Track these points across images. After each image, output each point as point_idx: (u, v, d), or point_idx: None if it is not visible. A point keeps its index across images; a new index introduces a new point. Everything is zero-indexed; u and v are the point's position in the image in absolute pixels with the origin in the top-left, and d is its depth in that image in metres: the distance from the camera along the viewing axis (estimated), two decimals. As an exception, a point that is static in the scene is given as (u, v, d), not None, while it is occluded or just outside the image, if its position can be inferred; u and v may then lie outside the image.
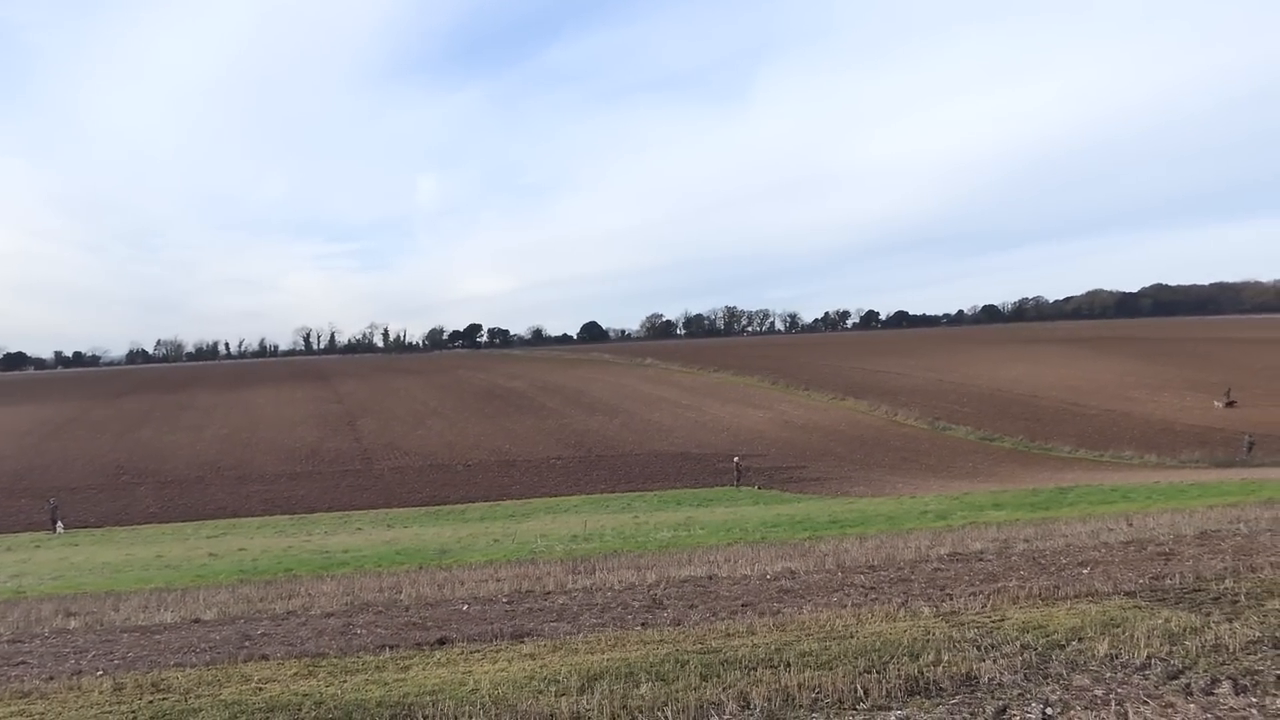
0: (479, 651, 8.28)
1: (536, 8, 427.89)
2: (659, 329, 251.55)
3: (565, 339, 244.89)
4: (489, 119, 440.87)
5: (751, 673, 6.39)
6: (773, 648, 7.28)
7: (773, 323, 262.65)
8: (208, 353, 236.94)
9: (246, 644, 9.81)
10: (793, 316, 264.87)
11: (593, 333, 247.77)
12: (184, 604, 14.27)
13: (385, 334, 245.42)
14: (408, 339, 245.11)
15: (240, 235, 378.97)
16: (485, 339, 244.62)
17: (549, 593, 12.51)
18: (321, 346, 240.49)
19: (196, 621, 12.15)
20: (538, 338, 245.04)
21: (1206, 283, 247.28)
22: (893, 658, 6.50)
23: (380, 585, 15.13)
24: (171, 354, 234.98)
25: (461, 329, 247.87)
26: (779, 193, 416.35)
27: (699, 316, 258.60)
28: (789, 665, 6.51)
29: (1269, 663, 5.67)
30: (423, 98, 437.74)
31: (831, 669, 6.31)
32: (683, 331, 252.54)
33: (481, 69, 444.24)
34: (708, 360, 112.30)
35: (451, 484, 48.01)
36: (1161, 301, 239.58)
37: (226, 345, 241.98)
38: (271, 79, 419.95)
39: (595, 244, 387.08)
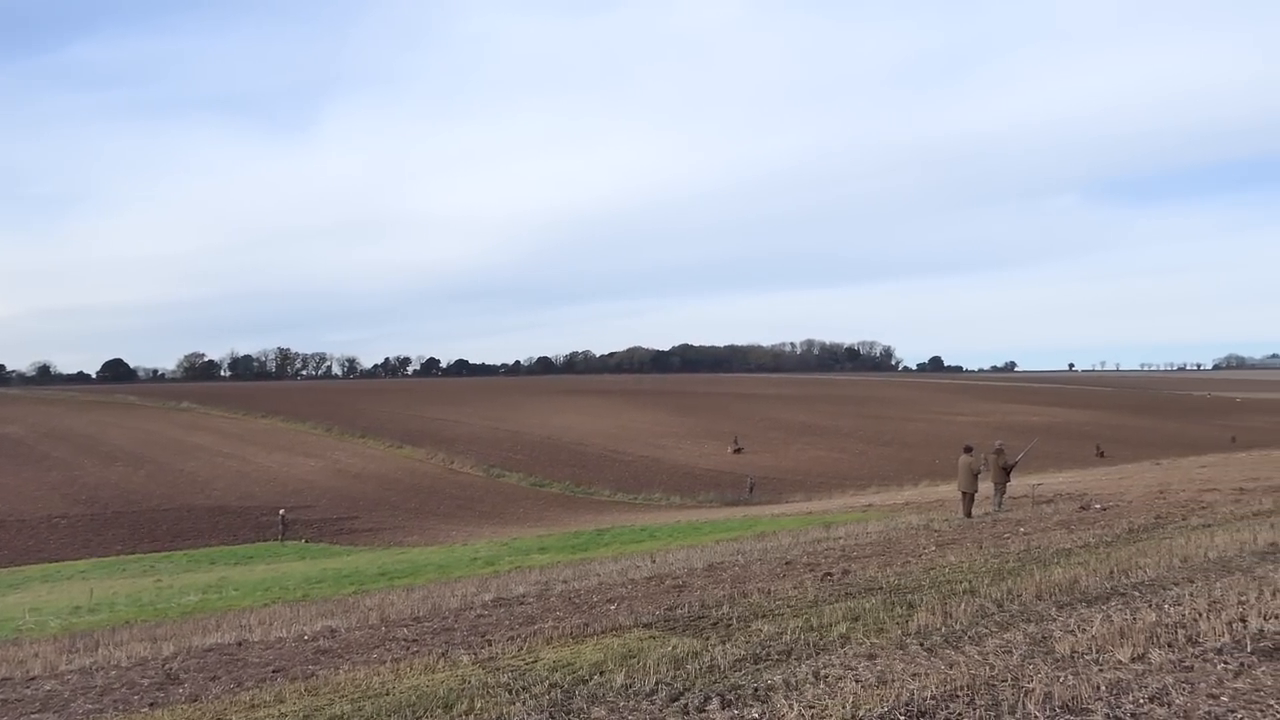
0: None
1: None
2: (200, 370, 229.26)
3: (82, 378, 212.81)
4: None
5: (274, 746, 5.92)
6: (301, 715, 6.83)
7: (330, 367, 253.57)
8: None
9: None
10: (351, 361, 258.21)
11: (118, 372, 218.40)
12: None
13: None
14: None
15: None
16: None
17: (33, 678, 10.57)
18: None
19: None
20: (45, 375, 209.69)
21: (722, 345, 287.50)
22: (427, 711, 6.42)
23: None
24: None
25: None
26: (341, 232, 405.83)
27: (247, 358, 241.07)
28: (317, 733, 6.15)
29: (750, 677, 6.52)
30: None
31: (363, 731, 6.07)
32: (228, 373, 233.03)
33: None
34: (255, 405, 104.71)
35: (-91, 553, 38.91)
36: (687, 359, 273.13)
37: None
38: None
39: (125, 271, 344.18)
